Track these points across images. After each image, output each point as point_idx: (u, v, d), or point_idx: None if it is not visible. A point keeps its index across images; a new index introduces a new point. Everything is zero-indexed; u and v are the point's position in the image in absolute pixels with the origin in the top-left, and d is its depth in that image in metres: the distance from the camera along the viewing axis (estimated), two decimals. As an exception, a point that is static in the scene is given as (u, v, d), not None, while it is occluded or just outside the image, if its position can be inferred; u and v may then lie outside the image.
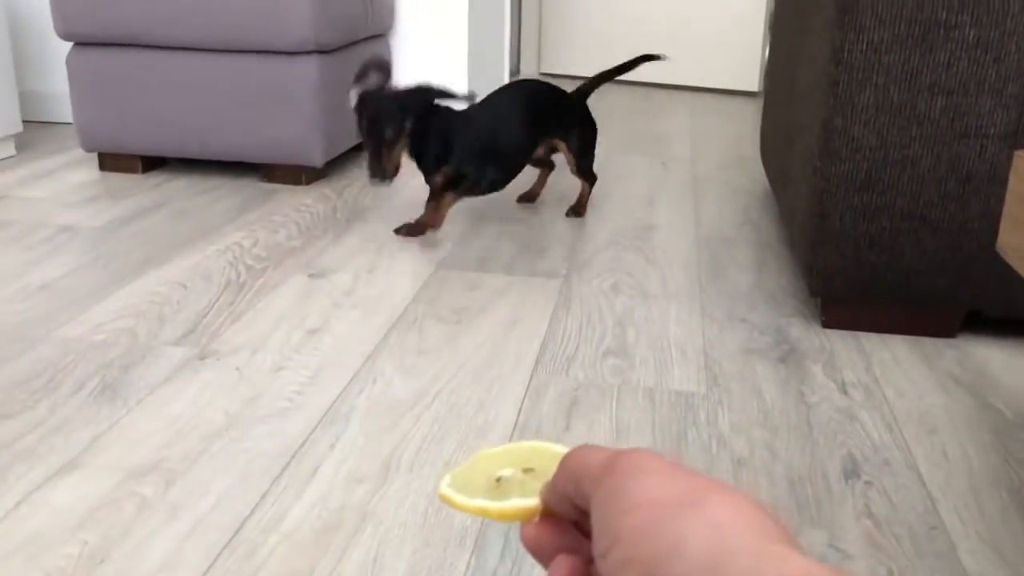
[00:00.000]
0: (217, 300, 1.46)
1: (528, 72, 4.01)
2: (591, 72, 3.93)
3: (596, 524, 0.30)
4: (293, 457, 1.03)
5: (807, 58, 1.50)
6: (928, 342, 1.39)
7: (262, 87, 2.06)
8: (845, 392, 1.23)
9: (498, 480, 0.38)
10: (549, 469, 0.35)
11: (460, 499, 0.37)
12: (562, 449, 0.37)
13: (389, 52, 2.53)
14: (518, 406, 1.17)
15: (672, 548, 0.26)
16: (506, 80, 3.04)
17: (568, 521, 0.35)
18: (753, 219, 1.99)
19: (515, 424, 1.12)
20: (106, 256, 1.65)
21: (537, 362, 1.29)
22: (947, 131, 1.27)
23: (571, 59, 3.89)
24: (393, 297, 1.50)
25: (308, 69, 2.04)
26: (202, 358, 1.27)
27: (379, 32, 2.41)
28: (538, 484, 0.36)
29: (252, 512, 0.93)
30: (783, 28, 1.87)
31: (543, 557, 0.36)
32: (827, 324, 1.43)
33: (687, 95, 3.62)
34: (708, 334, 1.40)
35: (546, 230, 1.88)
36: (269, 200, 2.03)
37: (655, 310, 1.48)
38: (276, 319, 1.40)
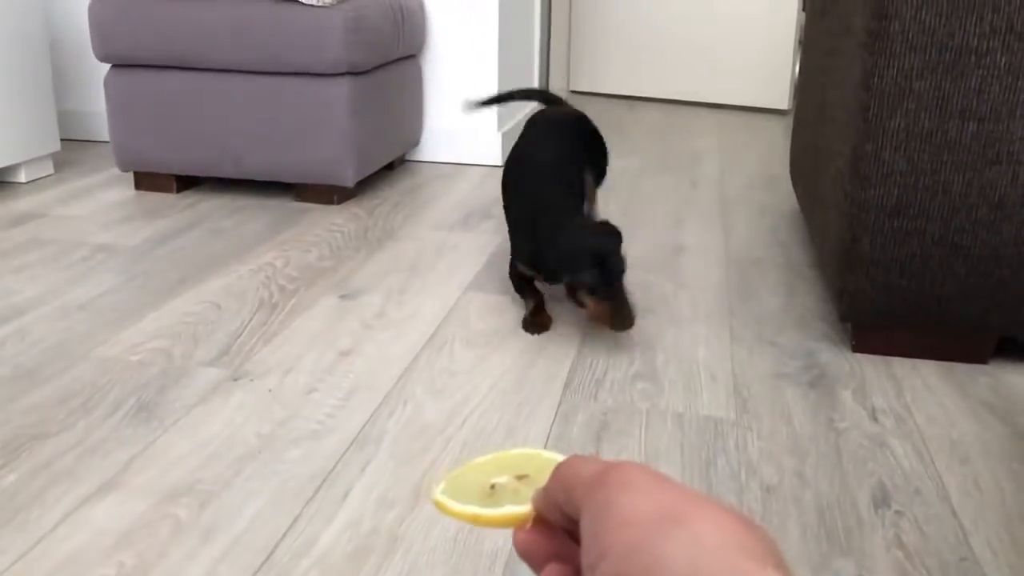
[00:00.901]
0: (250, 321, 1.49)
1: (557, 89, 4.02)
2: (620, 90, 3.92)
3: (585, 536, 0.31)
4: (324, 480, 1.05)
5: (837, 80, 1.50)
6: (960, 368, 1.38)
7: (295, 108, 2.09)
8: (875, 419, 1.23)
9: (492, 487, 0.38)
10: (542, 476, 0.36)
11: (454, 506, 0.37)
12: (556, 456, 0.38)
13: (420, 72, 2.55)
14: (547, 431, 1.17)
15: (655, 565, 0.27)
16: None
17: (560, 528, 0.36)
18: (782, 240, 1.99)
19: (544, 449, 1.12)
20: (142, 276, 1.68)
21: (566, 386, 1.29)
22: (978, 157, 1.26)
23: (600, 77, 3.90)
24: (423, 319, 1.51)
25: (341, 90, 2.06)
26: (235, 379, 1.28)
27: (411, 53, 2.44)
28: (531, 491, 0.37)
29: (284, 535, 0.95)
30: (814, 47, 1.87)
31: (535, 563, 0.36)
32: (857, 348, 1.42)
33: (716, 113, 3.62)
34: (737, 358, 1.40)
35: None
36: (301, 220, 2.05)
37: (684, 333, 1.49)
38: (308, 340, 1.42)
